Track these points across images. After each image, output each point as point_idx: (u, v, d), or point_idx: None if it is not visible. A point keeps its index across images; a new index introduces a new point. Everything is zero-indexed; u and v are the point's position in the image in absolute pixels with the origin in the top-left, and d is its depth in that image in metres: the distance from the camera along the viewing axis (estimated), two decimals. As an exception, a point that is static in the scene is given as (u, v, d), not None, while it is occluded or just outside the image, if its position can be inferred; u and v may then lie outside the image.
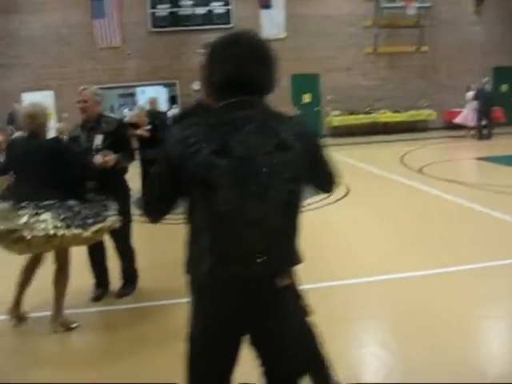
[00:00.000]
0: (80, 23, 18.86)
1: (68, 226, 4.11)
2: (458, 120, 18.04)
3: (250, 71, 2.00)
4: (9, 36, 18.77)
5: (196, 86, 19.34)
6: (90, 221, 4.26)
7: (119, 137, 4.98)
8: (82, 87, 5.15)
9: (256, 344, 2.16)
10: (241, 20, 19.51)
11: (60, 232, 4.06)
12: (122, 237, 5.13)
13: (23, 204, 4.15)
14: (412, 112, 20.41)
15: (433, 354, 3.76)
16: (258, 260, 1.95)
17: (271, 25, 19.82)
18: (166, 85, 20.19)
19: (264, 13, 19.73)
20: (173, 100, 20.15)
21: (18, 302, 4.64)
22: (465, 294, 4.84)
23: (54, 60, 18.74)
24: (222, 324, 2.05)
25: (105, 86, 19.26)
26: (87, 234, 4.21)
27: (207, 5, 19.46)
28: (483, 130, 17.33)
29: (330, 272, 5.58)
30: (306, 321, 2.34)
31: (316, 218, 8.05)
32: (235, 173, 1.91)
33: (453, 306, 4.57)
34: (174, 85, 19.82)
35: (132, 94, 22.09)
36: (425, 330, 4.14)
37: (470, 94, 17.75)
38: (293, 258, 2.13)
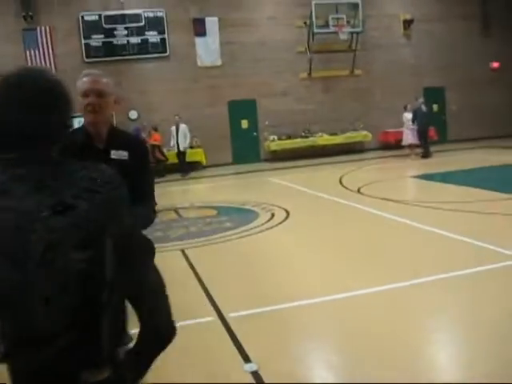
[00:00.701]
0: (12, 55, 18.46)
1: None
2: (404, 143, 18.43)
3: (22, 119, 1.64)
4: None
5: (133, 115, 19.26)
6: None
7: None
8: None
9: None
10: (176, 48, 19.61)
11: None
12: None
13: None
14: (348, 134, 20.86)
15: (379, 369, 3.77)
16: (49, 348, 1.62)
17: (207, 52, 19.99)
18: (103, 115, 19.95)
19: (199, 41, 19.86)
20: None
21: None
22: (406, 310, 4.91)
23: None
24: None
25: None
26: None
27: (142, 34, 19.41)
28: (423, 149, 17.81)
29: (273, 295, 5.56)
30: None
31: (257, 242, 8.08)
32: (4, 247, 1.58)
33: (396, 321, 4.62)
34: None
35: (68, 126, 21.74)
36: (370, 347, 4.16)
37: (407, 114, 18.18)
38: (103, 345, 1.67)
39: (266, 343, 4.37)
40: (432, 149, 18.11)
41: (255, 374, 3.79)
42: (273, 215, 9.80)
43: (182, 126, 18.08)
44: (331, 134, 20.81)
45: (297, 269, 6.56)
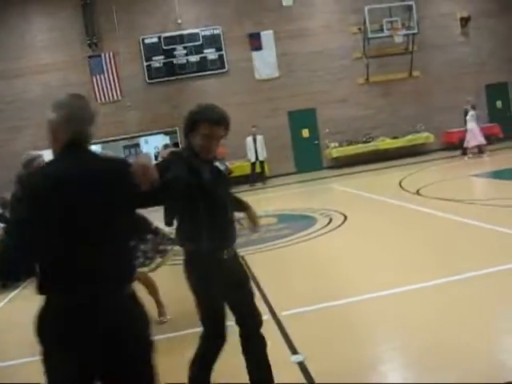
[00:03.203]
0: (79, 81, 19.52)
1: None
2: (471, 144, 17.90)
3: None
4: (15, 100, 19.49)
5: (196, 131, 19.88)
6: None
7: None
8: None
9: None
10: (234, 63, 20.15)
11: None
12: None
13: None
14: (410, 137, 20.70)
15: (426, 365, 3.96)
16: None
17: (264, 65, 20.42)
18: (166, 133, 20.69)
19: (256, 54, 20.33)
20: (176, 147, 20.62)
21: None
22: (463, 303, 5.04)
23: (58, 119, 19.31)
24: None
25: (109, 138, 19.87)
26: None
27: (200, 52, 20.09)
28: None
29: (324, 294, 5.80)
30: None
31: (312, 247, 8.34)
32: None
33: (451, 315, 4.78)
34: (174, 132, 20.32)
35: (136, 145, 22.58)
36: (414, 342, 4.35)
37: (472, 112, 17.66)
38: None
39: (315, 338, 4.63)
40: (497, 146, 17.83)
41: (301, 364, 4.06)
42: (330, 220, 10.02)
43: (260, 137, 18.72)
44: (393, 138, 20.73)
45: (348, 269, 6.77)
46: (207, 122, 3.24)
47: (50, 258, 2.33)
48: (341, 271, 6.74)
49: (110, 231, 2.44)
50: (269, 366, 3.53)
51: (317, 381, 3.83)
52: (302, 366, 4.04)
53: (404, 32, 20.25)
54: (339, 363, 4.20)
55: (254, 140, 18.81)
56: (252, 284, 3.69)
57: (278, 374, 3.97)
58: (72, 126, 2.47)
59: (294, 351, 4.33)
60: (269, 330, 4.92)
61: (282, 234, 9.45)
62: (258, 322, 3.54)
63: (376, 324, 4.92)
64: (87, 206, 2.36)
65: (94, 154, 2.62)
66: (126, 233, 2.58)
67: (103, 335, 2.35)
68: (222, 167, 3.41)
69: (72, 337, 2.32)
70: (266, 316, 5.27)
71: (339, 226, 9.45)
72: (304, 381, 3.85)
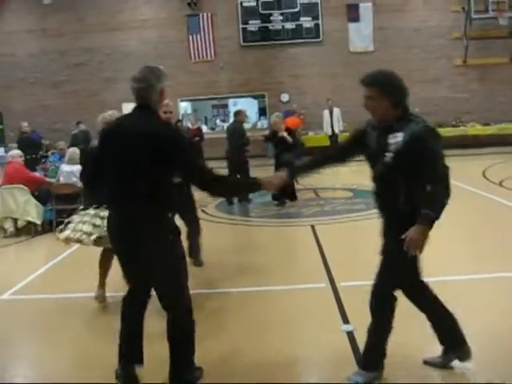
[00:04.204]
0: (176, 39, 20.02)
1: None
2: None
3: None
4: (113, 52, 20.28)
5: (284, 97, 20.02)
6: None
7: None
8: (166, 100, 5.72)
9: None
10: (329, 34, 20.00)
11: None
12: None
13: None
14: (503, 125, 19.93)
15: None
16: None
17: (359, 38, 20.16)
18: (255, 97, 20.92)
19: (352, 26, 20.06)
20: (262, 112, 20.86)
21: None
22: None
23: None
24: None
25: (199, 97, 20.34)
26: None
27: (297, 20, 20.06)
28: None
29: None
30: None
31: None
32: None
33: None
34: (263, 97, 20.54)
35: (225, 106, 22.97)
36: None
37: None
38: None
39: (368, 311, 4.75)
40: None
41: (350, 334, 4.22)
42: (406, 200, 9.96)
43: (336, 110, 18.60)
44: (484, 125, 20.05)
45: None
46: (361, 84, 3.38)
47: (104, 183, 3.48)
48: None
49: (135, 174, 3.28)
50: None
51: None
52: (351, 336, 4.19)
53: (510, 14, 19.34)
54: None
55: (331, 113, 18.67)
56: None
57: (326, 339, 4.19)
58: (134, 94, 3.45)
59: (346, 320, 4.49)
60: (325, 297, 5.15)
61: (355, 209, 9.54)
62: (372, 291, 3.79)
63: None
64: (122, 151, 3.29)
65: (151, 117, 3.46)
66: (149, 177, 3.29)
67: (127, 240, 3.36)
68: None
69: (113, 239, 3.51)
70: (323, 284, 5.50)
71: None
72: (350, 349, 4.01)
